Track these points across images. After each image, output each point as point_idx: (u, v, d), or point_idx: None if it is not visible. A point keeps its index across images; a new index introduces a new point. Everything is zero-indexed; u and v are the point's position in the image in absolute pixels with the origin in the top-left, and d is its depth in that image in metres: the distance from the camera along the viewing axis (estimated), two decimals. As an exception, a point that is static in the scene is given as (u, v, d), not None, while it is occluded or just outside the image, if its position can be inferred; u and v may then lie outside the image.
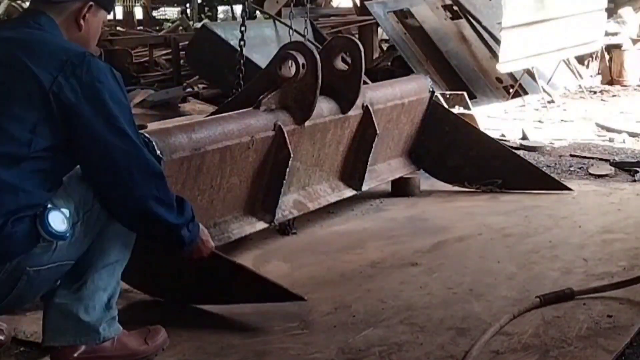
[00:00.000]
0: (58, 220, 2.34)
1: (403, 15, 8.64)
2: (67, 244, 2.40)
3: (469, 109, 6.60)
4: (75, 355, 2.56)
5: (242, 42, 4.39)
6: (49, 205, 2.35)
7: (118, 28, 13.47)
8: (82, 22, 2.53)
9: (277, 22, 7.75)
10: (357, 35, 9.05)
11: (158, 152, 2.93)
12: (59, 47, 2.44)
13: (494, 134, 6.10)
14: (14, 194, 2.32)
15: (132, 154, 2.43)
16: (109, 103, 2.40)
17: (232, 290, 2.97)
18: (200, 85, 8.61)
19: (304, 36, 4.91)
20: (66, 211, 2.38)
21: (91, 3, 2.53)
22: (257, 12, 11.32)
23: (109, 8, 2.65)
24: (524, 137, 6.51)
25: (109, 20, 11.48)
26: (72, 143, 2.40)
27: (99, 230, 2.52)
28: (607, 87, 9.54)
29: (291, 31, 5.15)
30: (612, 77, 9.80)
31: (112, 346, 2.60)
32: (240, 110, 3.64)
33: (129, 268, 2.69)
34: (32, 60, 2.37)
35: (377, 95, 4.38)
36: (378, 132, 4.29)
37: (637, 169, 5.26)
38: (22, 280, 2.36)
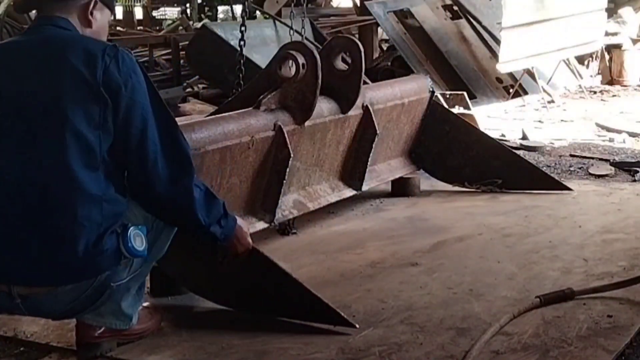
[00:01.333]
0: (138, 239, 2.48)
1: (403, 15, 8.64)
2: (143, 259, 2.55)
3: (469, 109, 6.60)
4: (99, 333, 2.66)
5: (242, 42, 4.39)
6: (128, 224, 2.47)
7: (118, 28, 13.47)
8: (90, 17, 2.59)
9: (277, 22, 7.75)
10: (357, 35, 9.04)
11: None
12: (91, 42, 2.50)
13: (494, 134, 6.10)
14: (99, 205, 2.42)
15: (160, 142, 2.50)
16: (143, 92, 2.48)
17: (282, 303, 2.95)
18: (200, 85, 8.61)
19: (302, 35, 4.91)
20: (143, 228, 2.51)
21: None
22: (257, 12, 11.32)
23: (112, 7, 2.71)
24: (524, 137, 6.51)
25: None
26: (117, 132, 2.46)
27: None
28: (607, 87, 9.54)
29: (291, 31, 5.15)
30: (612, 77, 9.80)
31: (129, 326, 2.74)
32: (240, 110, 3.64)
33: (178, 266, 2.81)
34: (73, 57, 2.42)
35: (377, 95, 4.38)
36: (378, 132, 4.29)
37: (637, 169, 5.26)
38: (105, 294, 2.52)
